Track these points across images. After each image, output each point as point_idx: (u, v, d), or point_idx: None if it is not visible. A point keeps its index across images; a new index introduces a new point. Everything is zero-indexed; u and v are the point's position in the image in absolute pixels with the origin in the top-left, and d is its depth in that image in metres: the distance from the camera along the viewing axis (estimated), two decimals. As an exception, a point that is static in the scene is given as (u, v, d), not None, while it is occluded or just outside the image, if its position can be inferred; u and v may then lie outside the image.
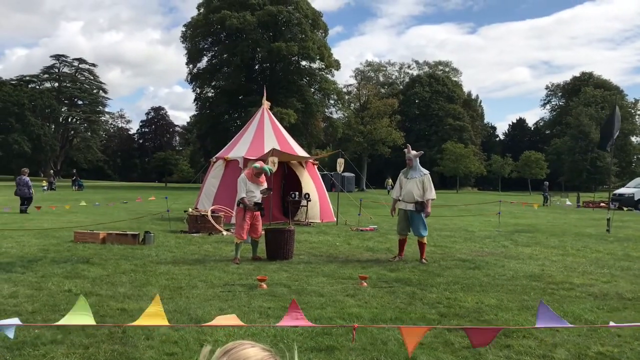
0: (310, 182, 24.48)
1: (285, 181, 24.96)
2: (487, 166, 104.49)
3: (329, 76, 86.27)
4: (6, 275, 10.68)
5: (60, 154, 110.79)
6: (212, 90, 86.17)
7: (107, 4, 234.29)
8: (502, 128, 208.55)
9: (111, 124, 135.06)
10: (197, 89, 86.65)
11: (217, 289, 9.95)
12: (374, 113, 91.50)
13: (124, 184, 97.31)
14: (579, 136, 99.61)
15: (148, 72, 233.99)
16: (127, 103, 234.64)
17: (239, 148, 24.07)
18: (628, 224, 26.59)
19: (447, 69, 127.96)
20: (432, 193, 13.93)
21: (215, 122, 79.47)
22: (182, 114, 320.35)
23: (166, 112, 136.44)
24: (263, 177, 13.88)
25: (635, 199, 42.32)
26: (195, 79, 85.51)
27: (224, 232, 18.92)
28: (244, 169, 22.85)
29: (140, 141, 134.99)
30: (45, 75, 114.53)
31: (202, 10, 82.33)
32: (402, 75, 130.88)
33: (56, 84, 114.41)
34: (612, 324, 6.42)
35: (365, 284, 10.48)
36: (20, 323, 4.90)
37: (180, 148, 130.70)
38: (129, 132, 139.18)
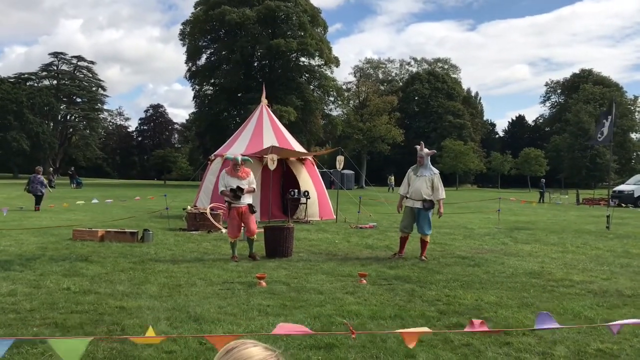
0: (309, 179, 24.47)
1: (284, 179, 24.91)
2: (486, 163, 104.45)
3: (329, 73, 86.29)
4: (4, 274, 10.67)
5: (59, 151, 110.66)
6: (211, 88, 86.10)
7: (107, 1, 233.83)
8: (501, 125, 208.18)
9: (110, 121, 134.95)
10: (196, 86, 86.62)
11: (216, 287, 9.94)
12: (373, 110, 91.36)
13: (123, 181, 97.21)
14: (578, 133, 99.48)
15: (147, 70, 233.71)
16: (126, 100, 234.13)
17: (237, 145, 24.04)
18: (628, 221, 26.58)
19: (446, 66, 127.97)
20: (442, 193, 13.98)
21: (214, 120, 79.44)
22: (181, 112, 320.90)
23: (165, 109, 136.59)
24: (244, 171, 13.39)
25: (635, 195, 42.35)
26: (194, 76, 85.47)
27: (223, 230, 18.89)
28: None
29: (139, 139, 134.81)
30: (44, 73, 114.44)
31: (201, 7, 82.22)
32: (401, 73, 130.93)
33: (55, 82, 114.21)
34: (613, 322, 6.40)
35: (364, 281, 10.47)
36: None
37: (179, 146, 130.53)
38: (128, 130, 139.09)
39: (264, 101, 26.11)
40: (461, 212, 29.91)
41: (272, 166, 21.70)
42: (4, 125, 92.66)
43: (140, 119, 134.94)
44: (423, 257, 13.60)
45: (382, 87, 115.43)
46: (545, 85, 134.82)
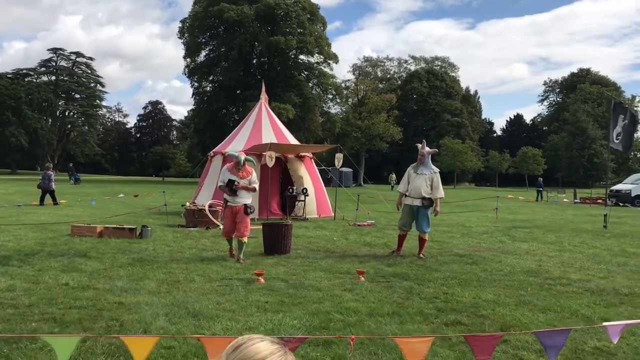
0: (308, 177, 24.47)
1: (283, 176, 24.91)
2: (484, 162, 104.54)
3: (328, 70, 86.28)
4: (3, 269, 10.68)
5: (58, 147, 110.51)
6: (210, 85, 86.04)
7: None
8: (499, 124, 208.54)
9: (108, 117, 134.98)
10: (195, 83, 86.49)
11: (215, 283, 9.95)
12: (372, 108, 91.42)
13: (121, 178, 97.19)
14: (576, 132, 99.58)
15: (146, 66, 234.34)
16: (124, 97, 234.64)
17: (236, 142, 24.07)
18: (625, 220, 26.62)
19: (444, 65, 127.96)
20: (441, 192, 14.01)
21: (213, 117, 79.35)
22: (180, 109, 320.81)
23: (164, 106, 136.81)
24: (246, 170, 12.94)
25: (632, 195, 42.40)
26: (193, 73, 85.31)
27: (221, 227, 18.90)
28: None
29: (138, 135, 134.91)
30: (42, 69, 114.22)
31: (200, 4, 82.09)
32: (400, 71, 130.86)
33: (53, 78, 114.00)
34: (604, 323, 6.43)
35: (362, 278, 10.48)
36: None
37: (178, 142, 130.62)
38: (126, 126, 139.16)
39: (264, 96, 26.14)
40: (459, 211, 29.93)
41: (270, 163, 21.72)
42: (2, 121, 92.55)
43: (138, 116, 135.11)
44: (421, 255, 13.61)
45: (380, 85, 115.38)
46: (544, 84, 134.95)
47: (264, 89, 26.79)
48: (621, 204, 38.12)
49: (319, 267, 11.90)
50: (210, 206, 19.94)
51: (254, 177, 13.11)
